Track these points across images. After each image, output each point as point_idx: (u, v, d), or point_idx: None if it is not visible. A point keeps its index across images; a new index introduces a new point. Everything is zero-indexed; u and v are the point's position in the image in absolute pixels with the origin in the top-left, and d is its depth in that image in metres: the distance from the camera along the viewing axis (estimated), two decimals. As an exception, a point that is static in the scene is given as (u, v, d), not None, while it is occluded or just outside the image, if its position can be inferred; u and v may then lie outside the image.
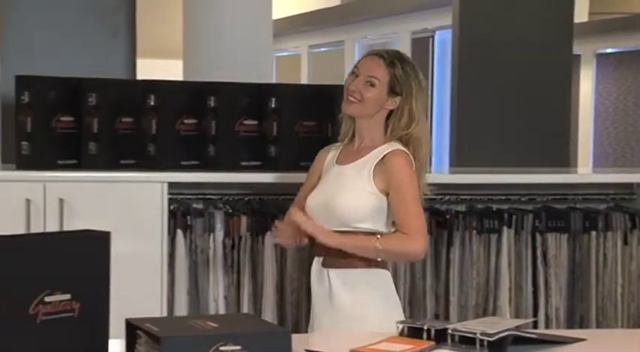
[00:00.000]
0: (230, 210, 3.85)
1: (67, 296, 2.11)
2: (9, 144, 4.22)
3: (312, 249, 3.08)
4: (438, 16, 6.22)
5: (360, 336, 2.52)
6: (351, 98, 2.95)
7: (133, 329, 2.15)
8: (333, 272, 2.96)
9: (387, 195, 2.92)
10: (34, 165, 3.64)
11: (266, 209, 3.88)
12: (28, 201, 3.54)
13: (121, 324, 2.18)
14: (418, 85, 2.96)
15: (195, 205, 3.86)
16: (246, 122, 3.82)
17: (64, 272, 2.12)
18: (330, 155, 3.10)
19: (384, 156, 2.92)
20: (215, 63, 4.43)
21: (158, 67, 5.61)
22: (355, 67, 2.99)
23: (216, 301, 3.77)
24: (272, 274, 3.78)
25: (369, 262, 2.94)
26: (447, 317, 3.87)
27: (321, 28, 7.43)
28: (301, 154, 3.84)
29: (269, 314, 3.74)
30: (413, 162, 2.95)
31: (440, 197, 3.95)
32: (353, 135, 3.05)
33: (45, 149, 3.66)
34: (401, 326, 2.41)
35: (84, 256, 2.18)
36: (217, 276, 3.78)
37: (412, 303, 3.89)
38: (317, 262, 3.02)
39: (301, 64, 7.87)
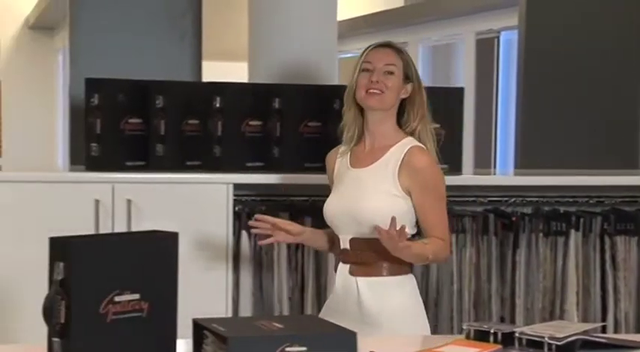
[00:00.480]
0: (294, 212, 3.86)
1: (136, 296, 2.14)
2: (78, 145, 4.29)
3: (338, 254, 2.95)
4: (504, 16, 6.17)
5: (422, 339, 2.51)
6: (374, 90, 2.84)
7: (199, 329, 2.17)
8: (362, 281, 2.87)
9: (409, 194, 2.85)
10: (103, 166, 3.70)
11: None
12: (97, 201, 3.60)
13: (187, 324, 2.20)
14: (417, 71, 2.97)
15: (260, 207, 3.88)
16: (310, 124, 3.84)
17: (133, 272, 2.16)
18: (339, 159, 3.00)
19: (406, 153, 2.84)
20: (280, 65, 4.44)
21: (223, 69, 5.63)
22: (365, 62, 2.88)
23: (281, 302, 3.79)
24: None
25: (396, 269, 2.86)
26: (512, 321, 3.83)
27: (384, 29, 7.40)
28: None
29: (334, 316, 3.74)
30: (434, 157, 2.90)
31: (505, 199, 3.92)
32: (359, 138, 2.96)
33: (113, 150, 3.72)
34: (467, 328, 2.39)
35: (152, 256, 2.21)
36: (281, 278, 3.80)
37: (477, 306, 3.86)
38: (344, 269, 2.91)
39: (365, 66, 7.84)
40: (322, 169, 3.81)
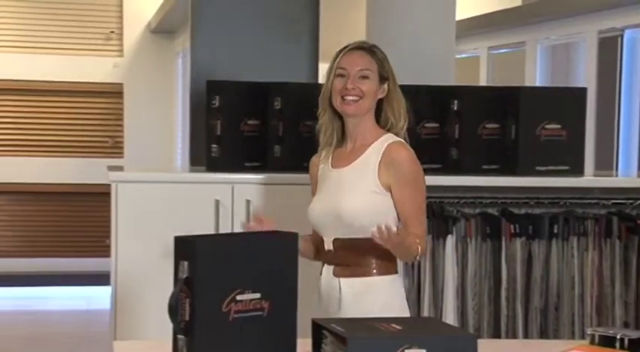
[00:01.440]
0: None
1: (257, 296, 2.18)
2: (198, 147, 4.38)
3: (321, 256, 2.87)
4: (627, 13, 5.98)
5: (542, 344, 2.47)
6: (350, 97, 2.77)
7: (318, 329, 2.18)
8: (345, 282, 2.79)
9: (390, 190, 2.76)
10: (223, 167, 3.77)
11: (447, 212, 3.85)
12: (217, 201, 3.67)
13: (305, 324, 2.22)
14: (391, 65, 2.88)
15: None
16: (427, 125, 3.82)
17: (255, 271, 2.19)
18: (322, 160, 2.92)
19: (385, 149, 2.77)
20: (396, 65, 4.42)
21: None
22: (338, 68, 2.79)
23: (397, 303, 3.77)
24: (453, 278, 3.75)
25: (384, 269, 2.78)
26: (637, 327, 3.72)
27: (501, 29, 7.30)
28: (483, 157, 3.80)
29: (450, 319, 3.71)
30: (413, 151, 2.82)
31: (630, 201, 3.80)
32: (339, 139, 2.88)
33: (233, 151, 3.78)
34: (592, 334, 2.33)
35: (273, 256, 2.24)
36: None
37: (599, 311, 3.76)
38: (328, 270, 2.84)
39: (480, 66, 7.75)
40: (441, 170, 3.79)
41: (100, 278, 6.67)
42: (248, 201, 3.67)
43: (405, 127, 2.86)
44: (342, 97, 2.78)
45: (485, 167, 3.81)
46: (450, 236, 3.76)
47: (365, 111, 2.81)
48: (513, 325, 3.77)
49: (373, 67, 2.80)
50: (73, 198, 8.53)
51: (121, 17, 8.56)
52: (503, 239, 3.79)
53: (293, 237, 2.31)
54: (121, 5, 8.55)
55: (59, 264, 8.33)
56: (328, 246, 2.83)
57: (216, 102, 3.73)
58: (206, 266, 2.10)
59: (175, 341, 2.14)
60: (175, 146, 8.58)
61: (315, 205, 2.86)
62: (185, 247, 2.14)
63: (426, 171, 3.73)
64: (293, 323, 2.25)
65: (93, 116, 8.58)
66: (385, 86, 2.82)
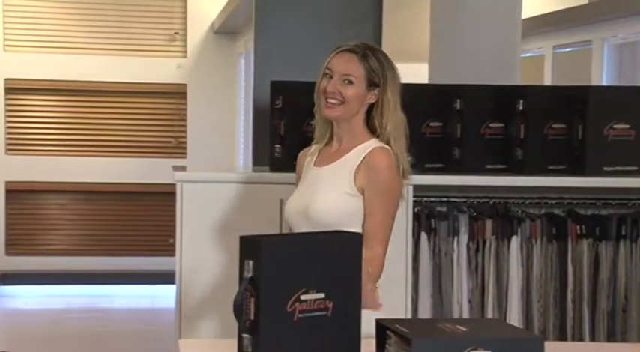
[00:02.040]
0: (474, 214, 3.82)
1: (321, 295, 2.18)
2: (261, 147, 4.39)
3: None
4: (698, 10, 5.86)
5: (606, 347, 2.42)
6: (331, 101, 2.72)
7: (382, 330, 2.18)
8: None
9: (363, 193, 2.72)
10: (286, 167, 3.77)
11: (512, 212, 3.82)
12: (281, 201, 3.68)
13: (368, 324, 2.21)
14: (393, 73, 2.76)
15: (439, 208, 3.86)
16: (492, 125, 3.78)
17: (319, 271, 2.19)
18: (308, 157, 2.89)
19: (367, 154, 2.72)
20: (461, 65, 4.40)
21: (403, 70, 5.61)
22: (327, 68, 2.75)
23: (460, 304, 3.75)
24: (518, 279, 3.71)
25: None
26: None
27: (566, 27, 7.20)
28: (550, 158, 3.76)
29: (514, 320, 3.67)
30: (396, 161, 2.73)
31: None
32: (331, 137, 2.84)
33: (296, 151, 3.74)
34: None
35: (337, 256, 2.23)
36: (461, 280, 3.76)
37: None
38: None
39: (544, 65, 7.65)
40: (505, 170, 3.76)
41: (164, 277, 6.76)
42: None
43: (401, 134, 2.76)
44: (325, 99, 2.74)
45: (551, 167, 3.77)
46: (514, 237, 3.73)
47: (347, 116, 2.75)
48: (580, 327, 3.72)
49: (359, 73, 2.72)
50: (137, 197, 8.64)
51: (185, 19, 8.65)
52: (570, 240, 3.75)
53: (357, 236, 2.31)
54: (185, 7, 8.64)
55: (124, 263, 8.45)
56: None
57: (280, 103, 3.75)
58: (271, 265, 2.11)
59: (240, 339, 2.15)
60: (237, 146, 8.64)
61: (289, 202, 2.84)
62: (250, 246, 2.15)
63: (490, 172, 3.75)
64: (357, 323, 2.25)
65: (157, 116, 8.69)
66: (376, 92, 2.74)
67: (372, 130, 2.78)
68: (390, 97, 2.75)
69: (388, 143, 2.75)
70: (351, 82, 2.72)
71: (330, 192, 2.73)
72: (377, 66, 2.74)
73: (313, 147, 2.90)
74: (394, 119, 2.76)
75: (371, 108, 2.77)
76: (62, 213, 8.58)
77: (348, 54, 2.74)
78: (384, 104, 2.75)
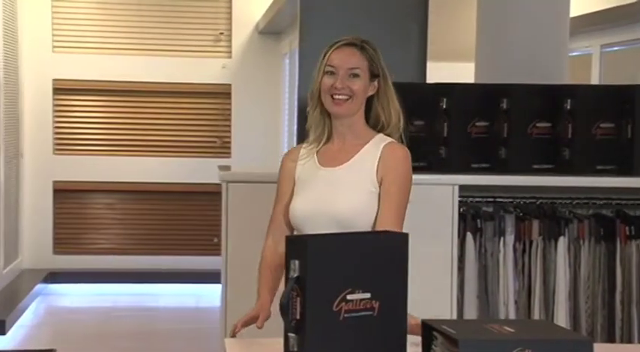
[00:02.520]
0: (521, 214, 3.79)
1: (367, 295, 2.17)
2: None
3: None
4: None
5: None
6: (340, 97, 2.67)
7: (428, 330, 2.17)
8: None
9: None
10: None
11: (559, 213, 3.78)
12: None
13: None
14: (384, 63, 2.74)
15: (485, 208, 3.83)
16: (539, 124, 3.75)
17: (365, 271, 2.18)
18: (303, 160, 2.79)
19: (383, 150, 2.69)
20: (508, 64, 4.36)
21: (447, 70, 5.58)
22: (328, 65, 2.69)
23: (507, 305, 3.72)
24: (565, 280, 3.68)
25: None
26: None
27: (614, 26, 7.11)
28: (598, 157, 3.72)
29: (561, 322, 3.64)
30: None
31: None
32: (328, 137, 2.77)
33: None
34: None
35: (383, 256, 2.23)
36: (507, 280, 3.74)
37: None
38: None
39: (592, 64, 7.57)
40: (553, 170, 3.72)
41: (210, 276, 6.80)
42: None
43: (400, 126, 2.76)
44: (332, 96, 2.69)
45: (599, 167, 3.72)
46: (562, 237, 3.69)
47: (355, 111, 2.72)
48: (629, 329, 3.67)
49: (363, 65, 2.70)
50: (183, 196, 8.70)
51: (230, 19, 8.69)
52: (618, 241, 3.70)
53: (403, 237, 2.30)
54: (230, 7, 8.68)
55: (169, 262, 8.51)
56: None
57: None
58: (317, 265, 2.11)
59: (287, 339, 2.16)
60: (281, 146, 8.66)
61: (301, 205, 2.72)
62: (296, 246, 2.15)
63: (537, 172, 3.71)
64: (403, 323, 2.24)
65: (202, 116, 8.74)
66: (375, 83, 2.73)
67: (373, 124, 2.75)
68: (390, 87, 2.75)
69: (392, 136, 2.74)
70: (357, 75, 2.69)
71: (355, 192, 2.69)
72: (375, 56, 2.73)
73: (302, 150, 2.81)
74: (396, 110, 2.76)
75: (368, 102, 2.75)
76: (108, 212, 8.67)
77: (348, 48, 2.72)
78: (387, 94, 2.74)
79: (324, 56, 2.72)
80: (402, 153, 2.71)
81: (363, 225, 2.63)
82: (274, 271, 2.79)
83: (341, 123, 2.74)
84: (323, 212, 2.67)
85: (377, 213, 2.66)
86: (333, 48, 2.72)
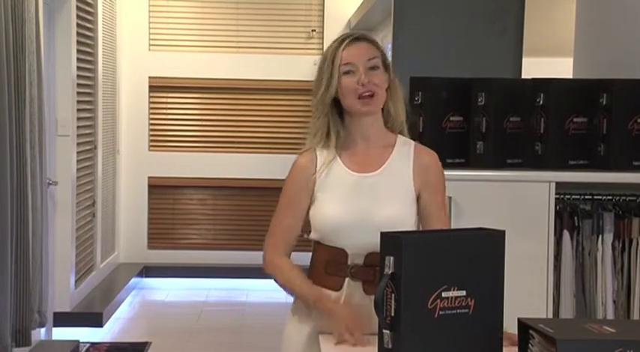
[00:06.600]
0: (620, 212, 3.70)
1: (463, 293, 2.15)
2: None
3: (336, 270, 2.60)
4: None
5: None
6: (367, 93, 2.53)
7: (525, 329, 2.13)
8: None
9: (419, 194, 2.61)
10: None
11: None
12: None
13: (509, 322, 2.18)
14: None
15: (582, 206, 3.75)
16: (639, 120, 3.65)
17: (460, 268, 2.16)
18: (322, 165, 2.64)
19: (414, 154, 2.63)
20: (608, 58, 4.26)
21: (544, 65, 5.47)
22: (344, 65, 2.55)
23: (605, 305, 3.64)
24: (666, 281, 3.57)
25: None
26: None
27: None
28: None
29: (662, 324, 3.53)
30: None
31: None
32: (345, 142, 2.63)
33: (434, 148, 3.74)
34: None
35: (480, 253, 2.21)
36: (605, 280, 3.65)
37: None
38: (355, 286, 2.56)
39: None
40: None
41: (301, 272, 6.83)
42: (450, 198, 3.62)
43: (407, 122, 2.69)
44: (359, 96, 2.55)
45: None
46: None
47: (380, 106, 2.61)
48: None
49: (378, 58, 2.59)
50: (274, 193, 8.71)
51: (322, 16, 8.71)
52: None
53: (500, 235, 2.26)
54: (322, 4, 8.70)
55: (259, 257, 8.57)
56: (356, 259, 2.57)
57: (419, 99, 3.72)
58: (412, 262, 2.10)
59: (381, 335, 2.15)
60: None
61: (337, 212, 2.57)
62: (391, 243, 2.14)
63: (638, 169, 3.60)
64: (499, 322, 2.22)
65: (294, 113, 8.78)
66: (387, 76, 2.61)
67: (384, 120, 2.66)
68: (397, 81, 2.66)
69: (402, 134, 2.69)
70: (377, 67, 2.57)
71: (396, 201, 2.58)
72: (382, 47, 2.65)
73: (318, 155, 2.66)
74: (402, 105, 2.68)
75: None
76: (201, 207, 8.79)
77: (359, 42, 2.59)
78: (397, 89, 2.66)
79: (334, 58, 2.59)
80: (435, 158, 2.69)
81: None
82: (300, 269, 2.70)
83: (365, 126, 2.62)
84: (364, 220, 2.54)
85: (416, 218, 2.62)
86: (341, 47, 2.59)
